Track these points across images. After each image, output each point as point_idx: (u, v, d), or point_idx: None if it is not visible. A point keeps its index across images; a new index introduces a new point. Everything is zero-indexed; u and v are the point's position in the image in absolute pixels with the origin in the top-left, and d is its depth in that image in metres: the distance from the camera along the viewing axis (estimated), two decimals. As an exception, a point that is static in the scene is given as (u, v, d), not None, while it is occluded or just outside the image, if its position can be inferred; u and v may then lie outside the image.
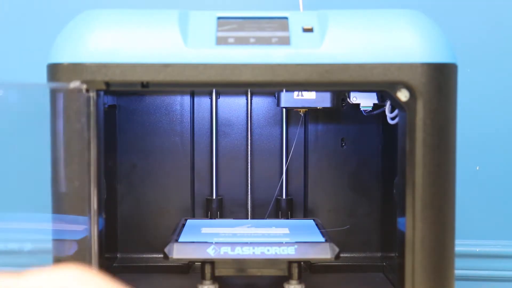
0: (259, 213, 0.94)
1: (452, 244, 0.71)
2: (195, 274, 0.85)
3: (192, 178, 0.93)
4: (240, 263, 0.77)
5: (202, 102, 0.93)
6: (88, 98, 0.69)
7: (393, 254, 0.83)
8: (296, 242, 0.74)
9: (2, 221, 0.93)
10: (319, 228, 0.83)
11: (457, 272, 0.71)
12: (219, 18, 0.72)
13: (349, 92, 0.80)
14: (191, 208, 0.93)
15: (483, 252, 1.04)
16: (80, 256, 0.69)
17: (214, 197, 0.93)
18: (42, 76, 0.73)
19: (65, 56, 0.68)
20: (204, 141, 0.93)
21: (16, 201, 1.10)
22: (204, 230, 0.82)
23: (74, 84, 0.67)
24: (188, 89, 0.90)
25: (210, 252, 0.73)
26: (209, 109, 0.93)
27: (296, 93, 0.82)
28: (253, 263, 0.77)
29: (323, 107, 0.82)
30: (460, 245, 0.83)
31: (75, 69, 0.67)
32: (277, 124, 0.94)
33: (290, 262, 0.76)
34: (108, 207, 0.84)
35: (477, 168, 1.08)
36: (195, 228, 0.83)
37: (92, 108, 0.69)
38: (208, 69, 0.67)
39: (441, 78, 0.68)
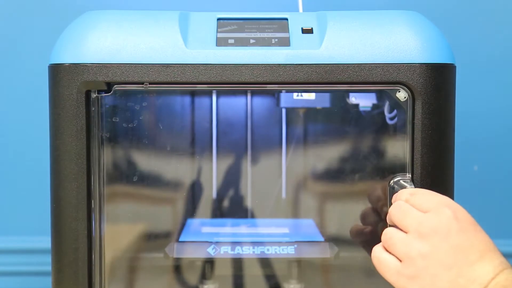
0: (259, 213, 0.94)
1: (450, 243, 0.71)
2: (195, 274, 0.85)
3: (192, 177, 0.94)
4: (240, 263, 0.77)
5: (202, 102, 0.94)
6: (89, 98, 0.69)
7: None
8: (296, 242, 0.74)
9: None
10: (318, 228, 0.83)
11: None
12: (219, 19, 0.72)
13: (348, 92, 0.81)
14: (191, 208, 0.94)
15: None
16: (82, 255, 0.69)
17: (214, 196, 0.94)
18: (43, 76, 0.73)
19: (67, 56, 0.69)
20: (204, 141, 0.94)
21: (16, 202, 1.10)
22: (205, 229, 0.82)
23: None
24: (189, 89, 0.90)
25: (211, 252, 0.74)
26: (209, 109, 0.93)
27: (295, 93, 0.83)
28: (253, 263, 0.77)
29: (322, 107, 0.83)
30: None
31: (77, 69, 0.68)
32: (277, 124, 0.94)
33: (289, 262, 0.76)
34: (109, 206, 0.84)
35: (475, 168, 1.09)
36: (195, 228, 0.83)
37: (92, 108, 0.70)
38: (208, 69, 0.68)
39: (439, 78, 0.69)
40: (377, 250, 0.62)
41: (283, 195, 0.94)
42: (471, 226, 0.59)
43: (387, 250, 0.61)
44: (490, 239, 0.59)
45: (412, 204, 0.61)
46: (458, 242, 0.57)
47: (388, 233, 0.61)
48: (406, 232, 0.60)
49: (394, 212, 0.62)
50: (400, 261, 0.59)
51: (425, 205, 0.60)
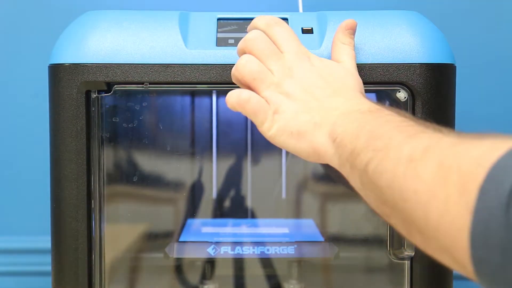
0: (259, 213, 0.94)
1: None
2: (195, 274, 0.85)
3: (192, 177, 0.94)
4: (240, 263, 0.77)
5: (202, 102, 0.94)
6: (89, 98, 0.69)
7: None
8: (296, 242, 0.74)
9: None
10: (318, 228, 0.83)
11: (455, 271, 0.72)
12: (219, 19, 0.72)
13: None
14: (191, 208, 0.94)
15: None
16: (82, 255, 0.70)
17: (214, 196, 0.94)
18: (43, 76, 0.73)
19: (67, 56, 0.69)
20: (204, 141, 0.94)
21: (17, 202, 1.11)
22: (205, 229, 0.83)
23: None
24: (189, 89, 0.90)
25: (211, 252, 0.74)
26: (209, 109, 0.93)
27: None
28: (253, 263, 0.77)
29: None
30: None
31: (77, 69, 0.68)
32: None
33: (289, 262, 0.76)
34: (109, 206, 0.84)
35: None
36: (195, 228, 0.83)
37: (93, 108, 0.70)
38: (208, 69, 0.68)
39: (439, 78, 0.69)
40: (246, 92, 0.60)
41: (283, 195, 0.94)
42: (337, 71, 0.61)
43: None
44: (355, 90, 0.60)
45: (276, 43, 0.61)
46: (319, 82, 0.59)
47: (261, 72, 0.60)
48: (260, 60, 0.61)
49: (257, 46, 0.61)
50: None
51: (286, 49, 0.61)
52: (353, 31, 0.65)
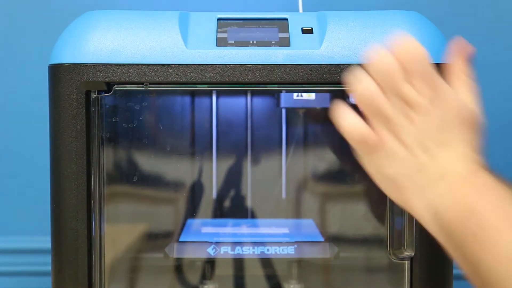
0: (259, 213, 0.94)
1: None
2: (195, 274, 0.85)
3: (192, 178, 0.94)
4: (240, 263, 0.77)
5: (202, 102, 0.94)
6: (89, 98, 0.69)
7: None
8: (296, 242, 0.74)
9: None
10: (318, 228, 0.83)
11: (455, 271, 0.72)
12: (219, 19, 0.72)
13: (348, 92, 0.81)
14: (191, 208, 0.94)
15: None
16: (82, 255, 0.70)
17: (214, 196, 0.94)
18: (43, 76, 0.73)
19: (67, 56, 0.69)
20: (204, 141, 0.94)
21: (16, 202, 1.11)
22: (205, 229, 0.83)
23: None
24: (189, 89, 0.90)
25: (211, 252, 0.74)
26: (209, 109, 0.93)
27: (295, 93, 0.83)
28: (253, 263, 0.77)
29: (322, 107, 0.83)
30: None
31: (77, 69, 0.68)
32: (277, 124, 0.94)
33: (289, 262, 0.76)
34: (109, 206, 0.84)
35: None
36: (195, 228, 0.83)
37: (93, 108, 0.70)
38: (208, 69, 0.68)
39: (439, 79, 0.69)
40: (366, 129, 0.58)
41: (283, 195, 0.94)
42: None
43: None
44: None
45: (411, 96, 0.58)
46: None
47: (398, 122, 0.57)
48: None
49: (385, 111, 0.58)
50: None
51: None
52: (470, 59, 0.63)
